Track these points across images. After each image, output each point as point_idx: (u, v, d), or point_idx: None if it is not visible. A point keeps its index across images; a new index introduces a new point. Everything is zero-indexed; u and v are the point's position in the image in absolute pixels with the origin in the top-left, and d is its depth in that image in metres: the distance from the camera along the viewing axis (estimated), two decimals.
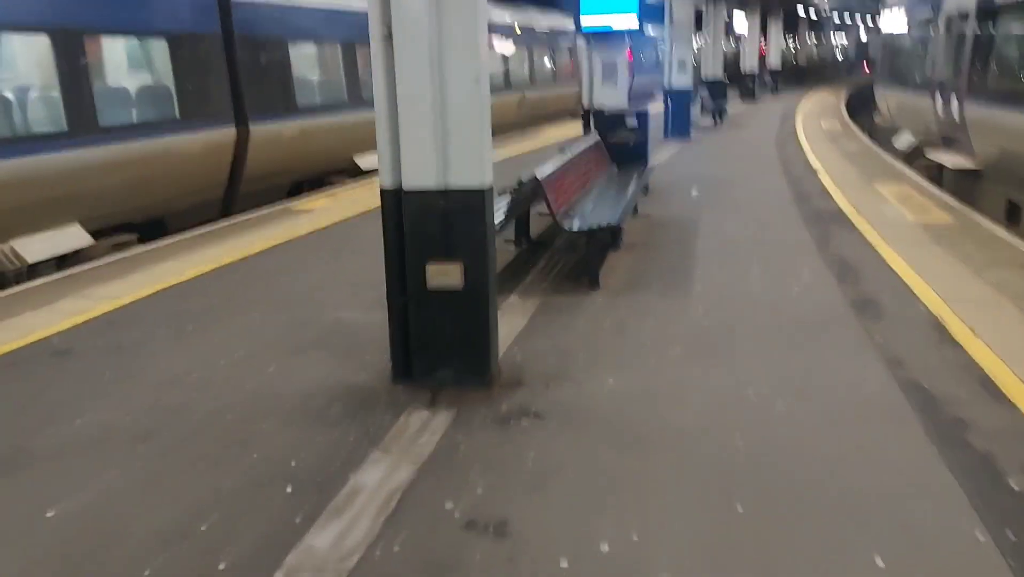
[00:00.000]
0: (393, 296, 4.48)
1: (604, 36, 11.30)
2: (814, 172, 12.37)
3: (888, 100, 16.03)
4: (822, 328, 5.40)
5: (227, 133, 10.49)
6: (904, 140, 14.51)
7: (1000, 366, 4.63)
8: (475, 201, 4.28)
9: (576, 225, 6.38)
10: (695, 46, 19.88)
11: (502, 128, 19.75)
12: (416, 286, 4.37)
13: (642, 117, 10.97)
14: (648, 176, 9.57)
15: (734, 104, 27.99)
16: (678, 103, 18.15)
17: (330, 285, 6.76)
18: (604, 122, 11.09)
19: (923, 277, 6.41)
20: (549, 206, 6.24)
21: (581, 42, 17.26)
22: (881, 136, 17.27)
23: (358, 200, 11.00)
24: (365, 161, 14.02)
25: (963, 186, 11.22)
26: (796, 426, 4.02)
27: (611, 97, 11.34)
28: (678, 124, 18.31)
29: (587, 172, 8.37)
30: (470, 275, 4.32)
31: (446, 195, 4.28)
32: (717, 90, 22.35)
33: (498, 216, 6.40)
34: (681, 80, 18.14)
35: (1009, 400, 4.22)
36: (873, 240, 7.72)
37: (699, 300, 6.10)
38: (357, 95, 13.57)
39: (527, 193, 6.46)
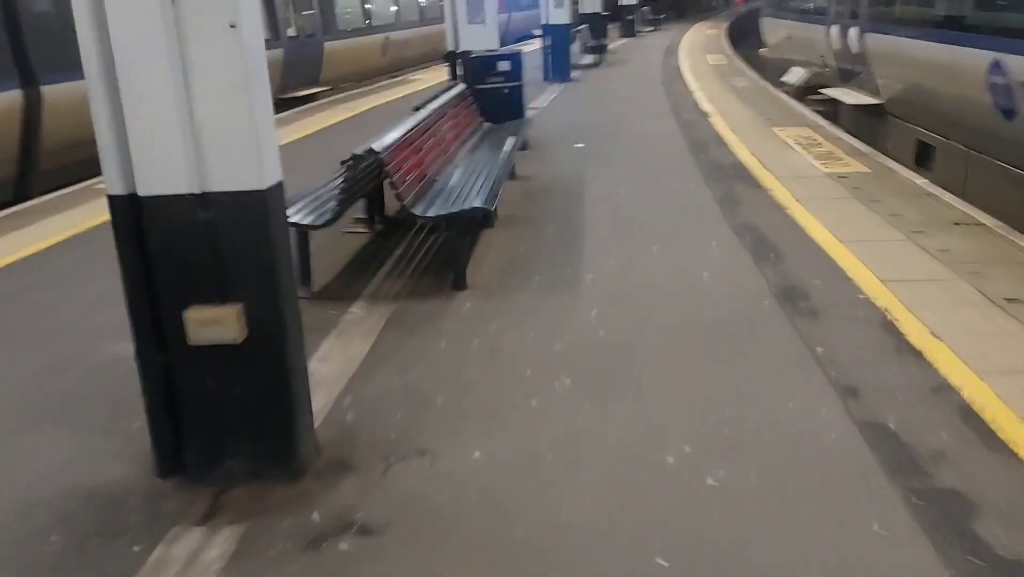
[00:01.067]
0: (145, 355, 3.02)
1: None
2: (706, 115, 11.29)
3: (776, 32, 15.08)
4: (747, 333, 4.23)
5: (8, 97, 8.50)
6: (795, 75, 13.61)
7: (981, 389, 3.56)
8: (253, 210, 2.84)
9: (432, 210, 4.98)
10: None
11: (364, 76, 17.92)
12: (177, 340, 2.92)
13: (515, 60, 9.56)
14: (526, 130, 8.23)
15: (614, 40, 26.83)
16: (557, 41, 16.77)
17: (118, 301, 5.17)
18: (472, 68, 9.62)
19: (853, 251, 5.33)
20: (394, 186, 4.81)
21: None
22: (769, 71, 16.40)
23: None
24: None
25: (864, 125, 10.35)
26: (736, 514, 2.81)
27: (479, 38, 9.86)
28: (558, 64, 16.97)
29: (450, 132, 6.94)
30: (255, 322, 2.89)
31: (205, 202, 2.81)
32: (597, 26, 21.08)
33: (325, 208, 4.95)
34: (559, 15, 16.75)
35: (1007, 445, 3.14)
36: (785, 201, 6.63)
37: (591, 297, 4.85)
38: None
39: (365, 172, 5.02)
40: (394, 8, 19.92)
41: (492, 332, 4.42)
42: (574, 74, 17.40)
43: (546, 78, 16.91)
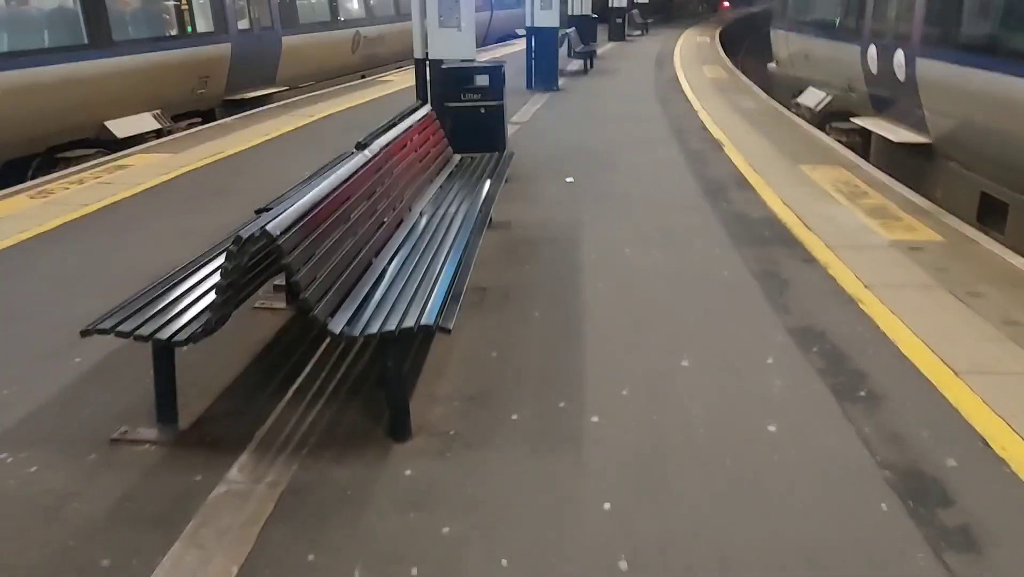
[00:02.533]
0: None
1: None
2: (717, 145, 9.64)
3: (789, 47, 13.46)
4: (859, 547, 2.57)
5: None
6: (812, 98, 12.02)
7: None
8: None
9: (359, 324, 3.23)
10: None
11: (331, 76, 16.10)
12: None
13: (496, 74, 7.85)
14: (507, 165, 6.52)
15: (602, 44, 25.21)
16: (543, 45, 15.08)
17: None
18: (442, 81, 7.90)
19: (980, 394, 3.68)
20: (298, 289, 3.07)
21: None
22: (779, 89, 14.81)
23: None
24: (124, 127, 10.28)
25: (903, 166, 8.76)
26: None
27: (453, 45, 8.15)
28: (544, 71, 15.30)
29: (404, 176, 5.22)
30: None
31: None
32: (586, 29, 19.42)
33: (197, 313, 3.24)
34: (546, 17, 15.05)
35: None
36: (852, 287, 4.98)
37: (599, 467, 3.15)
38: (105, 32, 9.77)
39: (258, 260, 3.29)
40: (367, 0, 18.11)
41: (440, 549, 2.71)
42: (561, 82, 15.72)
43: (530, 86, 15.23)
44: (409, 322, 3.14)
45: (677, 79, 16.82)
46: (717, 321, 4.51)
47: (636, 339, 4.29)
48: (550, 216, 6.72)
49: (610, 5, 28.33)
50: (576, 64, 19.05)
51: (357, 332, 3.12)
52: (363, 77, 17.52)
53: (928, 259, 5.44)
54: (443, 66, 7.92)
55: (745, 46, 33.09)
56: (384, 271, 3.86)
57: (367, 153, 4.58)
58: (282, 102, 13.46)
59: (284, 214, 3.12)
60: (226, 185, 7.91)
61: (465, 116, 7.79)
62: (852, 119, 10.03)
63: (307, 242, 3.18)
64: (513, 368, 4.00)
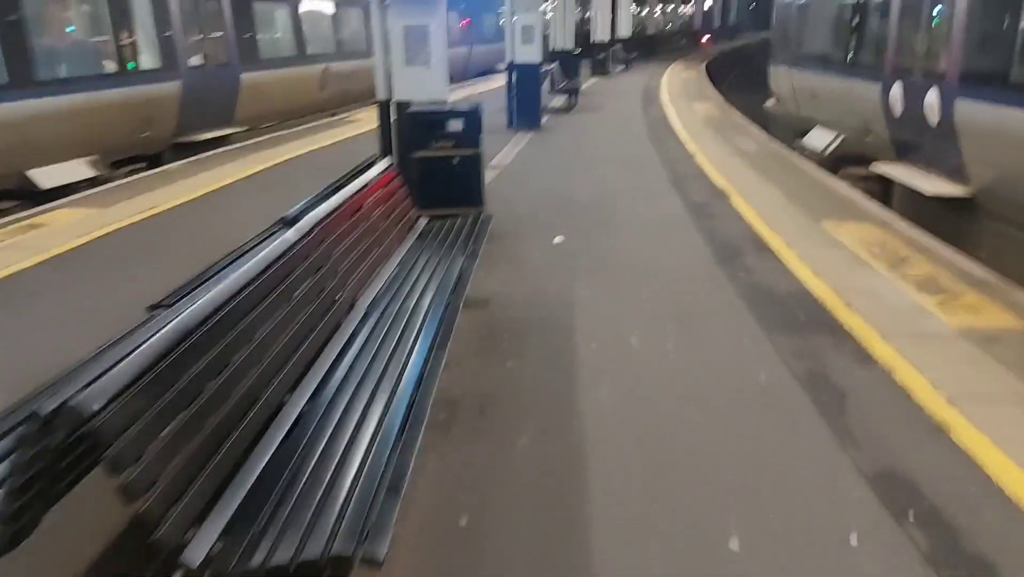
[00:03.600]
0: None
1: None
2: (722, 194, 8.56)
3: (793, 83, 12.45)
4: None
5: None
6: (820, 139, 11.00)
7: None
8: None
9: (228, 560, 2.03)
10: (542, 9, 15.94)
11: (296, 114, 14.98)
12: None
13: (473, 118, 6.75)
14: (485, 232, 5.36)
15: (585, 80, 24.31)
16: (525, 81, 14.05)
17: None
18: (410, 126, 6.79)
19: None
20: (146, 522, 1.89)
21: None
22: (779, 128, 13.83)
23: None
24: (50, 176, 9.08)
25: (931, 220, 7.71)
26: None
27: (421, 84, 7.05)
28: (526, 109, 14.25)
29: (350, 258, 4.07)
30: None
31: None
32: (570, 64, 18.45)
33: None
34: (528, 52, 14.05)
35: None
36: (931, 406, 3.84)
37: None
38: (27, 69, 8.60)
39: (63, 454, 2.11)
40: (337, 33, 17.03)
41: None
42: (544, 119, 14.68)
43: (511, 124, 14.18)
44: (314, 548, 1.95)
45: (666, 117, 15.83)
46: (765, 460, 3.35)
47: (657, 495, 3.12)
48: (537, 289, 5.58)
49: (592, 40, 27.53)
50: (559, 100, 18.07)
51: (229, 568, 1.92)
52: (333, 116, 16.42)
53: (1012, 356, 4.33)
54: (410, 109, 6.81)
55: (729, 80, 32.38)
56: (290, 432, 2.66)
57: (290, 236, 3.41)
58: (240, 144, 12.30)
59: (114, 371, 1.93)
60: (153, 249, 6.72)
61: (436, 167, 6.67)
62: (872, 166, 9.00)
63: (152, 413, 1.99)
64: (492, 547, 2.81)
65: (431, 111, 6.76)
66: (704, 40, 59.81)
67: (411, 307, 4.14)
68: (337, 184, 4.66)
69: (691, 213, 7.79)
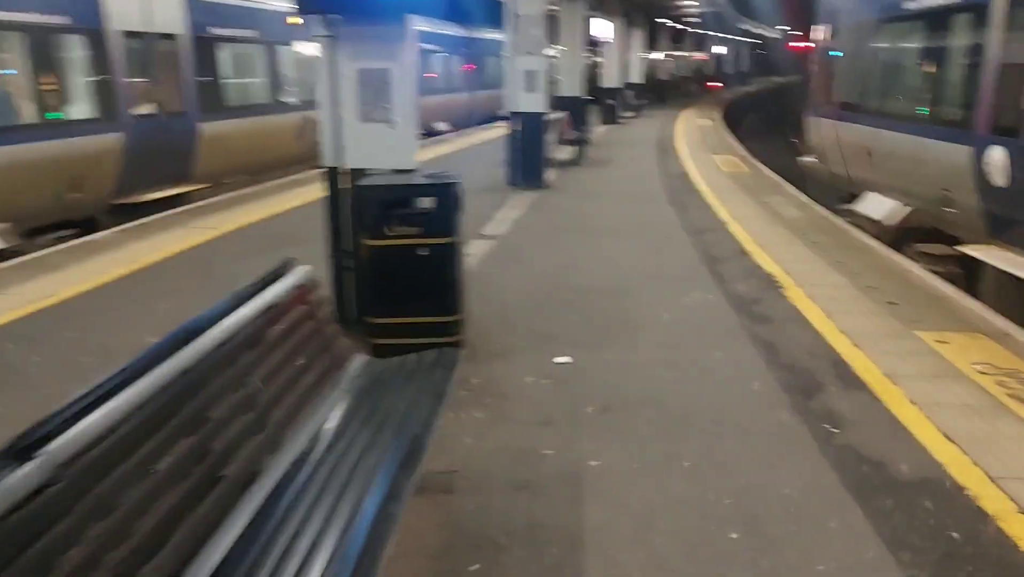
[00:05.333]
0: None
1: (361, 17, 5.20)
2: (772, 283, 6.72)
3: (840, 138, 10.60)
4: None
5: None
6: (878, 207, 9.18)
7: None
8: None
9: None
10: (546, 53, 14.34)
11: (268, 168, 13.25)
12: None
13: (447, 193, 4.96)
14: (449, 378, 3.54)
15: (594, 128, 22.69)
16: (528, 133, 12.36)
17: None
18: (362, 205, 5.01)
19: None
20: None
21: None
22: (816, 189, 12.03)
23: None
24: None
25: None
26: None
27: (381, 147, 5.28)
28: (529, 164, 12.52)
29: (241, 427, 2.28)
30: None
31: None
32: (578, 112, 16.79)
33: None
34: (531, 101, 12.39)
35: None
36: None
37: None
38: None
39: None
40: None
41: None
42: (549, 175, 12.93)
43: (511, 181, 12.44)
44: None
45: (687, 173, 14.10)
46: None
47: None
48: (528, 454, 3.74)
49: (600, 85, 25.99)
50: (566, 152, 16.38)
51: None
52: (312, 169, 14.73)
53: None
54: (364, 182, 5.04)
55: (744, 126, 30.84)
56: None
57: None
58: (192, 205, 10.56)
59: None
60: (12, 366, 4.92)
61: (394, 263, 4.87)
62: (962, 247, 7.15)
63: None
64: None
65: (391, 184, 4.98)
66: (714, 86, 58.42)
67: (335, 494, 2.42)
68: (229, 305, 2.88)
69: (736, 311, 5.96)
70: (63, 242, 8.58)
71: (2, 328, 5.59)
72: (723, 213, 10.00)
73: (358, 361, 3.58)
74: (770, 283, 6.72)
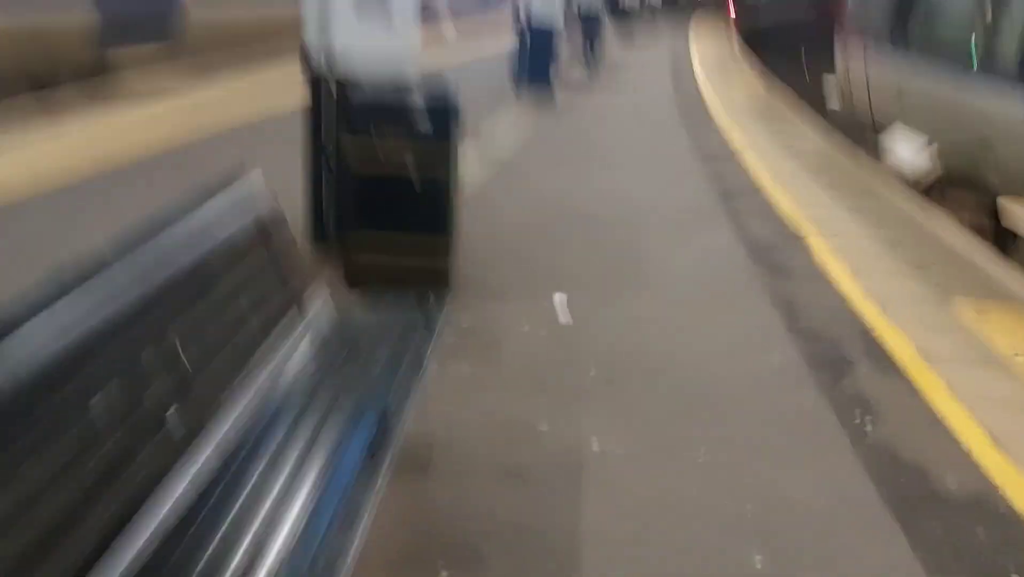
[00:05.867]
0: None
1: None
2: (792, 233, 6.18)
3: (900, 83, 9.44)
4: None
5: None
6: (912, 151, 8.47)
7: None
8: None
9: None
10: None
11: None
12: None
13: (443, 110, 4.35)
14: (434, 332, 3.04)
15: (608, 44, 21.67)
16: (539, 48, 11.61)
17: None
18: (353, 106, 4.41)
19: None
20: None
21: None
22: (843, 127, 11.28)
23: None
24: None
25: None
26: None
27: (376, 49, 4.63)
28: (538, 81, 11.79)
29: (191, 368, 1.75)
30: None
31: None
32: (591, 28, 15.85)
33: None
34: (544, 13, 11.59)
35: None
36: None
37: None
38: None
39: None
40: None
41: None
42: (559, 96, 12.19)
43: (519, 100, 11.71)
44: None
45: (701, 96, 13.37)
46: None
47: None
48: (518, 428, 3.28)
49: (620, 7, 24.78)
50: (578, 71, 15.53)
51: None
52: None
53: None
54: (355, 94, 4.43)
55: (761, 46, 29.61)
56: None
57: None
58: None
59: None
60: None
61: (380, 169, 4.32)
62: (1002, 199, 6.56)
63: None
64: None
65: (379, 97, 4.37)
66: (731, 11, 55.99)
67: (289, 462, 2.01)
68: (150, 228, 2.32)
69: (752, 260, 5.44)
70: None
71: None
72: (738, 142, 9.37)
73: (323, 301, 3.05)
74: (789, 232, 6.18)
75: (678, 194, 7.10)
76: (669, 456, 3.13)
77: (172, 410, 1.98)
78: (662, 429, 3.33)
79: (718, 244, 5.77)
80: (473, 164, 7.50)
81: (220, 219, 2.50)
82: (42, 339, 1.65)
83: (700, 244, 5.74)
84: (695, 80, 15.73)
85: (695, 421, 3.40)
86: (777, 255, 5.57)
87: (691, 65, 18.42)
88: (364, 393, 2.62)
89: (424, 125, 4.28)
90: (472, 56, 16.93)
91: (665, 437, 3.27)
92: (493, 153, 8.21)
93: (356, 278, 4.35)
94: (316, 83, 4.71)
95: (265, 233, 2.77)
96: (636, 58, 19.19)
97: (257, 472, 2.15)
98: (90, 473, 1.70)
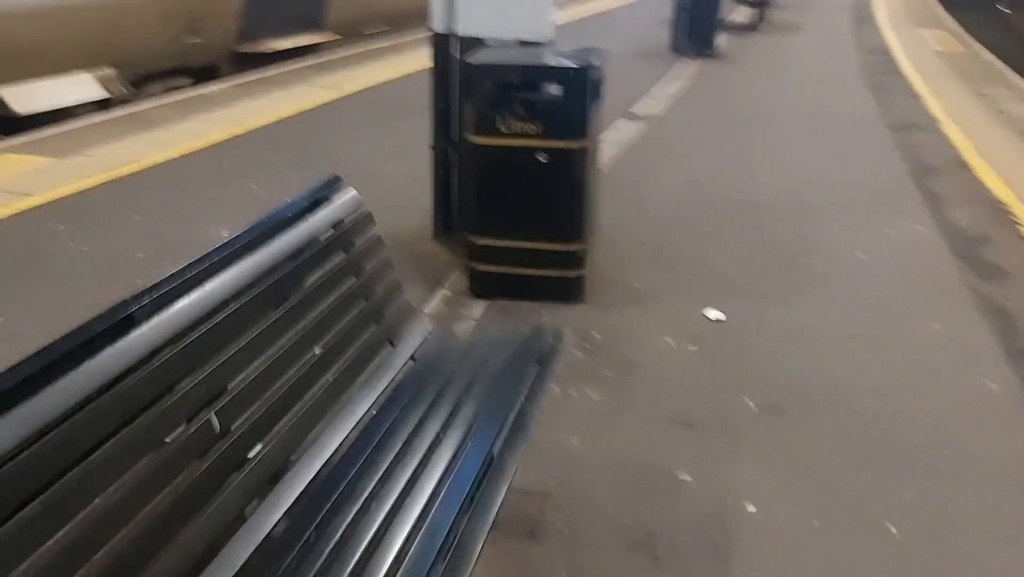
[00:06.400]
0: None
1: None
2: (1005, 215, 5.12)
3: None
4: None
5: None
6: None
7: None
8: None
9: None
10: None
11: (413, 16, 12.03)
12: None
13: (578, 80, 3.66)
14: (548, 374, 2.46)
15: None
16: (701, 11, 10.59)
17: None
18: (470, 87, 3.82)
19: None
20: None
21: None
22: None
23: None
24: (31, 97, 6.77)
25: None
26: None
27: (503, 7, 3.99)
28: (698, 26, 10.75)
29: (270, 403, 1.28)
30: None
31: None
32: None
33: None
34: None
35: None
36: None
37: None
38: None
39: None
40: None
41: None
42: (721, 42, 11.12)
43: (676, 48, 10.77)
44: None
45: (888, 49, 11.89)
46: None
47: None
48: (655, 477, 2.67)
49: None
50: (743, 14, 14.27)
51: None
52: None
53: None
54: (475, 58, 3.82)
55: None
56: None
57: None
58: (313, 61, 9.62)
59: None
60: (50, 254, 4.20)
61: (505, 168, 3.71)
62: None
63: None
64: None
65: (502, 63, 3.74)
66: None
67: (380, 514, 1.56)
68: (254, 235, 1.90)
69: (955, 255, 4.49)
70: (175, 92, 7.89)
71: (61, 202, 4.87)
72: (935, 107, 8.11)
73: (420, 335, 2.52)
74: (1001, 214, 5.13)
75: (863, 172, 6.10)
76: (855, 534, 2.41)
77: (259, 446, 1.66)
78: (840, 486, 2.60)
79: (913, 236, 4.82)
80: (619, 125, 6.81)
81: (311, 239, 2.09)
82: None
83: (890, 236, 4.81)
84: (878, 29, 14.11)
85: (891, 480, 2.65)
86: (986, 248, 4.58)
87: (872, 11, 16.61)
88: (466, 435, 2.09)
89: (556, 110, 3.63)
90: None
91: (844, 497, 2.55)
92: (643, 109, 7.44)
93: (481, 287, 3.83)
94: (442, 58, 4.14)
95: (359, 260, 2.31)
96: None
97: (347, 520, 1.72)
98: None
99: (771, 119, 7.49)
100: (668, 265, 4.31)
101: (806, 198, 5.39)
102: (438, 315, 3.68)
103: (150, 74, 8.03)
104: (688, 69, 9.72)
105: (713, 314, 3.75)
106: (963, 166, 6.13)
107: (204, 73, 8.66)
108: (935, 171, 6.01)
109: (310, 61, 9.44)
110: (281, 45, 9.57)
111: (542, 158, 3.64)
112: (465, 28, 4.05)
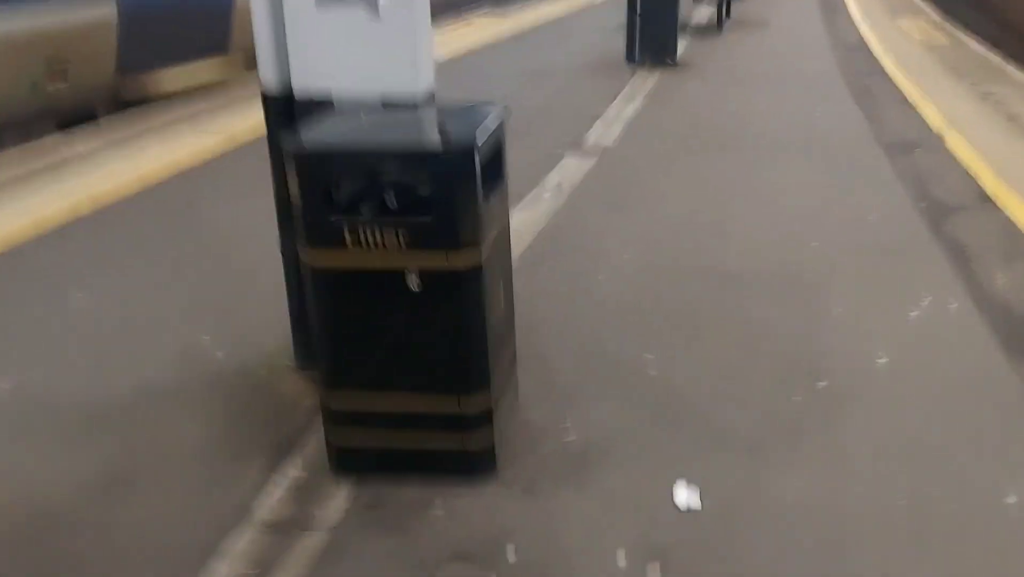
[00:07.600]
0: None
1: None
2: None
3: None
4: None
5: None
6: None
7: None
8: None
9: None
10: None
11: None
12: None
13: (465, 158, 2.40)
14: None
15: None
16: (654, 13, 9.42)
17: None
18: (303, 180, 2.52)
19: None
20: None
21: None
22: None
23: None
24: None
25: None
26: None
27: (355, 55, 2.79)
28: (653, 33, 9.56)
29: None
30: None
31: None
32: None
33: None
34: None
35: None
36: None
37: None
38: None
39: None
40: None
41: None
42: (681, 47, 9.94)
43: (631, 58, 9.58)
44: None
45: (866, 45, 10.76)
46: None
47: None
48: None
49: None
50: (705, 13, 13.12)
51: None
52: None
53: None
54: (306, 137, 2.54)
55: None
56: None
57: None
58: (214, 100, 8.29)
59: None
60: None
61: (361, 297, 2.46)
62: None
63: None
64: None
65: (342, 141, 2.48)
66: None
67: None
68: None
69: (1008, 352, 3.28)
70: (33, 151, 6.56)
71: None
72: (932, 115, 6.94)
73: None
74: None
75: (861, 213, 4.90)
76: None
77: None
78: None
79: (945, 319, 3.62)
80: (564, 161, 5.61)
81: None
82: None
83: (914, 323, 3.60)
84: (851, 20, 13.00)
85: None
86: None
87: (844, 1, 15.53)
88: None
89: (429, 207, 2.37)
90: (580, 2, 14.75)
91: None
92: (592, 138, 6.23)
93: (343, 462, 2.58)
94: (275, 131, 2.88)
95: None
96: None
97: None
98: None
99: (742, 146, 6.28)
100: (619, 394, 3.07)
101: (797, 264, 4.17)
102: (275, 521, 2.43)
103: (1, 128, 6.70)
104: (646, 83, 8.53)
105: (683, 497, 2.51)
106: (986, 201, 4.94)
107: (77, 119, 7.32)
108: (953, 211, 4.81)
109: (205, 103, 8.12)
110: (173, 86, 8.23)
111: (413, 285, 2.39)
112: (302, 83, 2.78)
